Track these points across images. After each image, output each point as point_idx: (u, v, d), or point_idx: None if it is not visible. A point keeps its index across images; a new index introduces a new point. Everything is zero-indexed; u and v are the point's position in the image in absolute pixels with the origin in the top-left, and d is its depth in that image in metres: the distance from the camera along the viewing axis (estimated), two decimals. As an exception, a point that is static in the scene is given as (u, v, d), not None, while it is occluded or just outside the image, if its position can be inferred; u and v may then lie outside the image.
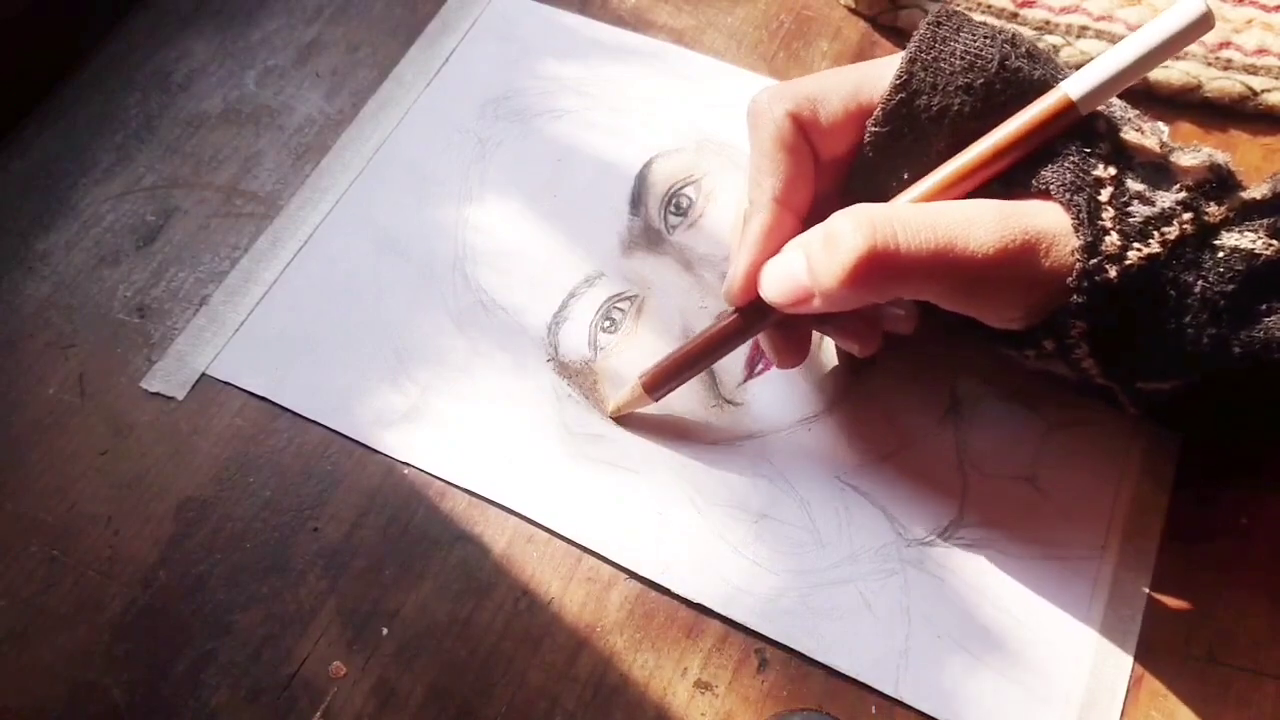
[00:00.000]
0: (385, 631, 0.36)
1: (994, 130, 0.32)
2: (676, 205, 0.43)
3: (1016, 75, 0.32)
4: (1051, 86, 0.32)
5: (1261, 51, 0.44)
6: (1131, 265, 0.30)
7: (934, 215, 0.31)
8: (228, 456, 0.39)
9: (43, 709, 0.35)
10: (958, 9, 0.34)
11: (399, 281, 0.42)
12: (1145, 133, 0.33)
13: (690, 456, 0.38)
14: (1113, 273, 0.30)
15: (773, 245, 0.34)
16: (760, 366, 0.40)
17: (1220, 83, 0.44)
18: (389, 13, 0.49)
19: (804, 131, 0.34)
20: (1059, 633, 0.35)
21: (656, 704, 0.34)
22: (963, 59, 0.33)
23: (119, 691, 0.35)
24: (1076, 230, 0.30)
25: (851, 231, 0.31)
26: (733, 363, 0.40)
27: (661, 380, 0.37)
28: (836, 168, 0.35)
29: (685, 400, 0.39)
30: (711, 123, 0.45)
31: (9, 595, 0.37)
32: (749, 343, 0.40)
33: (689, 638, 0.35)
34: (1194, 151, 0.32)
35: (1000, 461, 0.38)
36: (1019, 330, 0.33)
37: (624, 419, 0.39)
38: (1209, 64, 0.44)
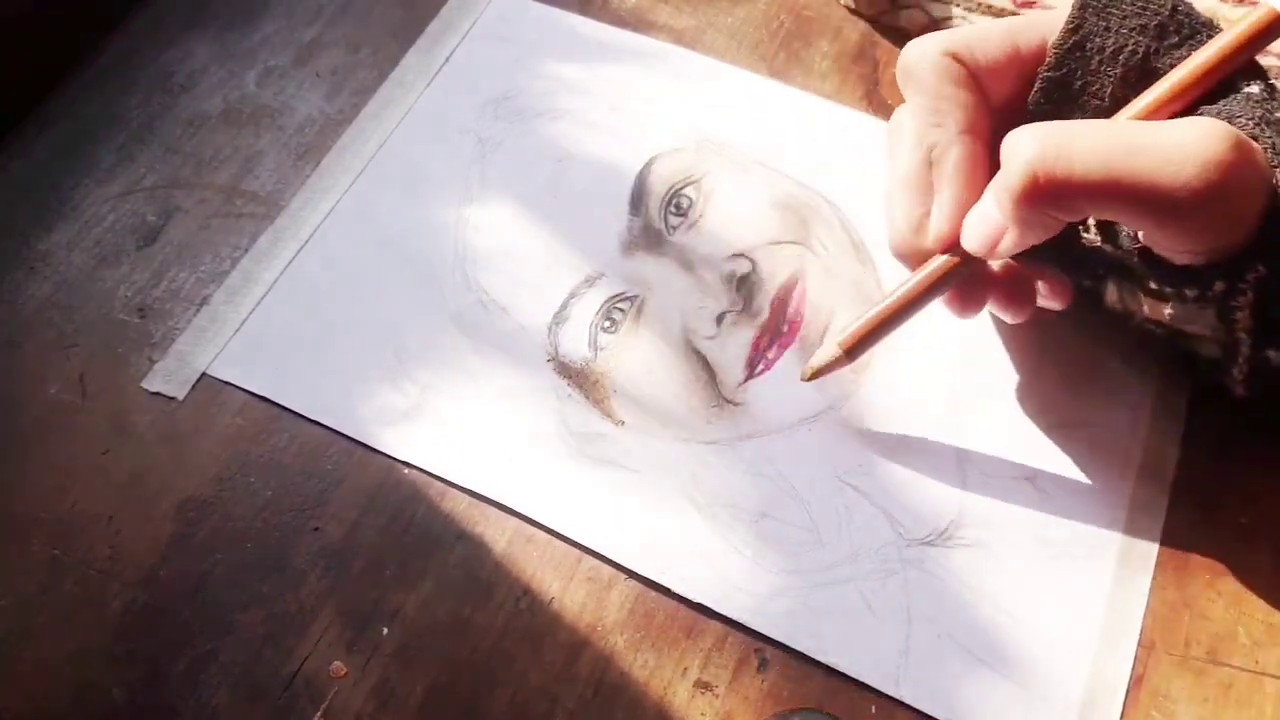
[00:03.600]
0: (385, 631, 0.36)
1: (1197, 53, 0.32)
2: (677, 205, 0.43)
3: (1189, 17, 0.33)
4: (1218, 28, 0.32)
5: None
6: None
7: (1121, 125, 0.30)
8: (228, 456, 0.39)
9: (43, 709, 0.35)
10: None
11: (399, 281, 0.42)
12: None
13: (690, 456, 0.38)
14: None
15: (972, 177, 0.33)
16: (760, 367, 0.40)
17: (1221, 83, 0.44)
18: (389, 13, 0.49)
19: (967, 69, 0.34)
20: (1059, 633, 0.35)
21: (656, 704, 0.34)
22: (1134, 3, 0.33)
23: (119, 691, 0.35)
24: (1271, 161, 0.29)
25: (1019, 148, 0.30)
26: (733, 363, 0.40)
27: (861, 341, 0.36)
28: (995, 120, 0.35)
29: (686, 400, 0.39)
30: (711, 123, 0.45)
31: (9, 595, 0.37)
32: (747, 345, 0.40)
33: (689, 638, 0.35)
34: None
35: (1000, 461, 0.38)
36: (1192, 266, 0.31)
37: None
38: (1209, 64, 0.44)
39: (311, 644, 0.35)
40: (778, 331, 0.40)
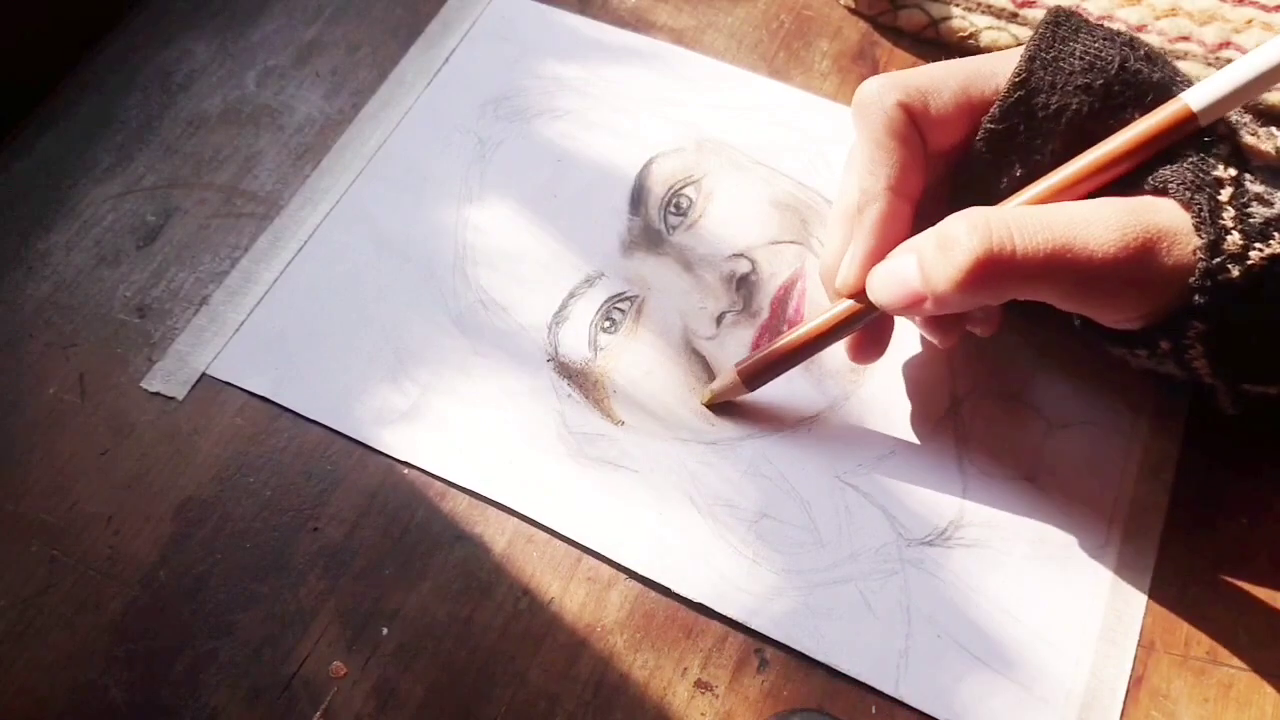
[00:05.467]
0: (385, 631, 0.36)
1: (1112, 136, 0.32)
2: (676, 205, 0.43)
3: (1136, 77, 0.33)
4: (1170, 89, 0.32)
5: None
6: (1254, 265, 0.30)
7: (1050, 215, 0.31)
8: (228, 456, 0.39)
9: (43, 709, 0.35)
10: (1074, 10, 0.34)
11: (399, 281, 0.42)
12: (1261, 137, 0.32)
13: (690, 456, 0.38)
14: (1235, 272, 0.30)
15: (888, 234, 0.34)
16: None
17: (1221, 83, 0.44)
18: (389, 13, 0.49)
19: (914, 122, 0.34)
20: (1059, 633, 0.35)
21: (656, 704, 0.34)
22: (1083, 59, 0.33)
23: (119, 691, 0.35)
24: (1198, 229, 0.30)
25: (967, 234, 0.30)
26: (733, 363, 0.40)
27: (759, 371, 0.37)
28: (941, 163, 0.36)
29: (686, 400, 0.39)
30: (711, 123, 0.45)
31: (9, 595, 0.37)
32: (747, 345, 0.40)
33: (689, 638, 0.35)
34: None
35: (1000, 461, 0.38)
36: (1134, 330, 0.33)
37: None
38: (1209, 64, 0.44)
39: (311, 644, 0.35)
40: (777, 331, 0.40)
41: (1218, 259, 0.30)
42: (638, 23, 0.49)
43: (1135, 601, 0.35)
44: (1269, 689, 0.34)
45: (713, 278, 0.41)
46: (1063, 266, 0.30)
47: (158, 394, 0.40)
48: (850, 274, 0.35)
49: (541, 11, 0.49)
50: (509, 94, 0.47)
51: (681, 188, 0.44)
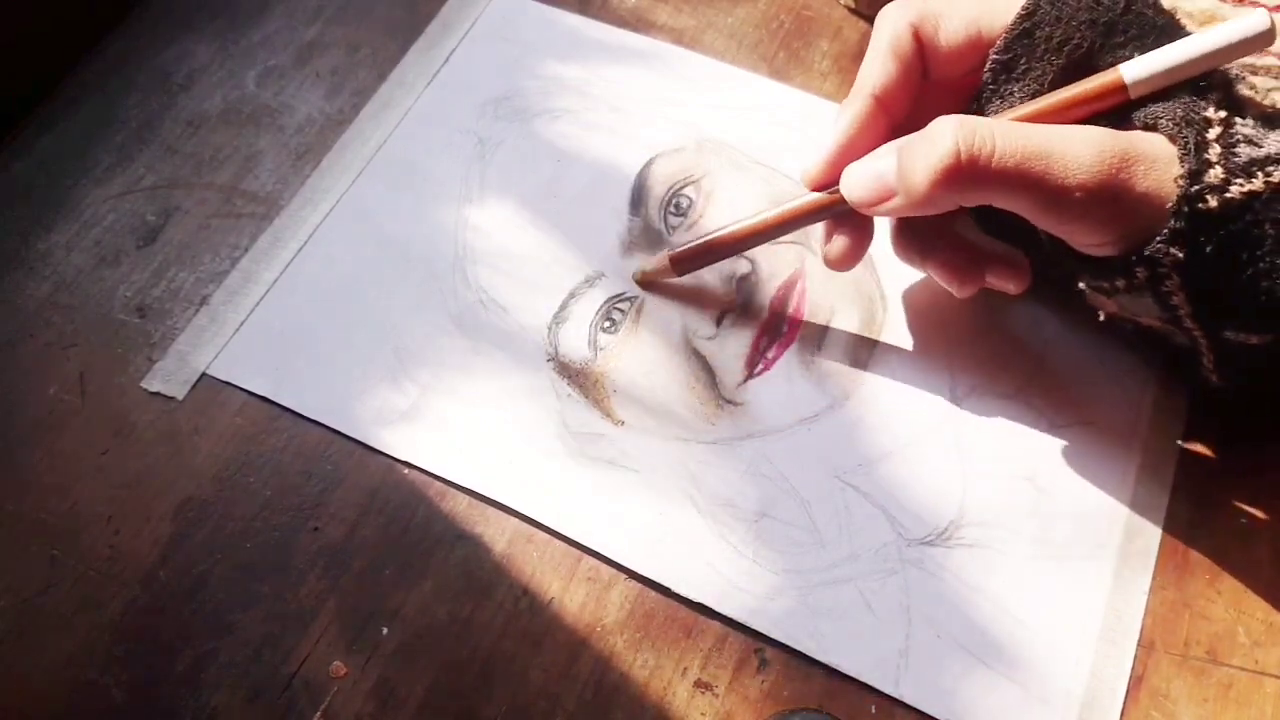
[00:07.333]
0: (385, 631, 0.36)
1: (1051, 93, 0.33)
2: (676, 206, 0.43)
3: (1139, 18, 0.33)
4: (1172, 35, 0.33)
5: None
6: (1233, 198, 0.30)
7: (1033, 128, 0.32)
8: (228, 456, 0.39)
9: (43, 709, 0.35)
10: None
11: (399, 281, 0.42)
12: (1259, 91, 0.33)
13: (690, 456, 0.38)
14: (1214, 202, 0.30)
15: (860, 135, 0.36)
16: (760, 367, 0.40)
17: (1220, 83, 0.44)
18: (389, 13, 0.49)
19: (920, 46, 0.36)
20: (1059, 633, 0.35)
21: (656, 704, 0.34)
22: None
23: (119, 691, 0.35)
24: (1181, 160, 0.31)
25: (950, 131, 0.31)
26: (732, 362, 0.40)
27: (691, 257, 0.40)
28: (940, 99, 0.36)
29: (686, 400, 0.39)
30: (711, 123, 0.45)
31: (9, 595, 0.37)
32: (747, 345, 0.40)
33: (689, 638, 0.35)
34: None
35: (1000, 461, 0.38)
36: (1113, 257, 0.33)
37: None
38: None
39: (311, 644, 0.35)
40: (777, 331, 0.40)
41: (1197, 187, 0.30)
42: (638, 23, 0.49)
43: (1135, 601, 0.35)
44: (1269, 689, 0.34)
45: (712, 278, 0.41)
46: (1037, 175, 0.31)
47: (158, 394, 0.40)
48: (812, 164, 0.36)
49: (541, 11, 0.49)
50: (509, 94, 0.47)
51: (681, 188, 0.44)
